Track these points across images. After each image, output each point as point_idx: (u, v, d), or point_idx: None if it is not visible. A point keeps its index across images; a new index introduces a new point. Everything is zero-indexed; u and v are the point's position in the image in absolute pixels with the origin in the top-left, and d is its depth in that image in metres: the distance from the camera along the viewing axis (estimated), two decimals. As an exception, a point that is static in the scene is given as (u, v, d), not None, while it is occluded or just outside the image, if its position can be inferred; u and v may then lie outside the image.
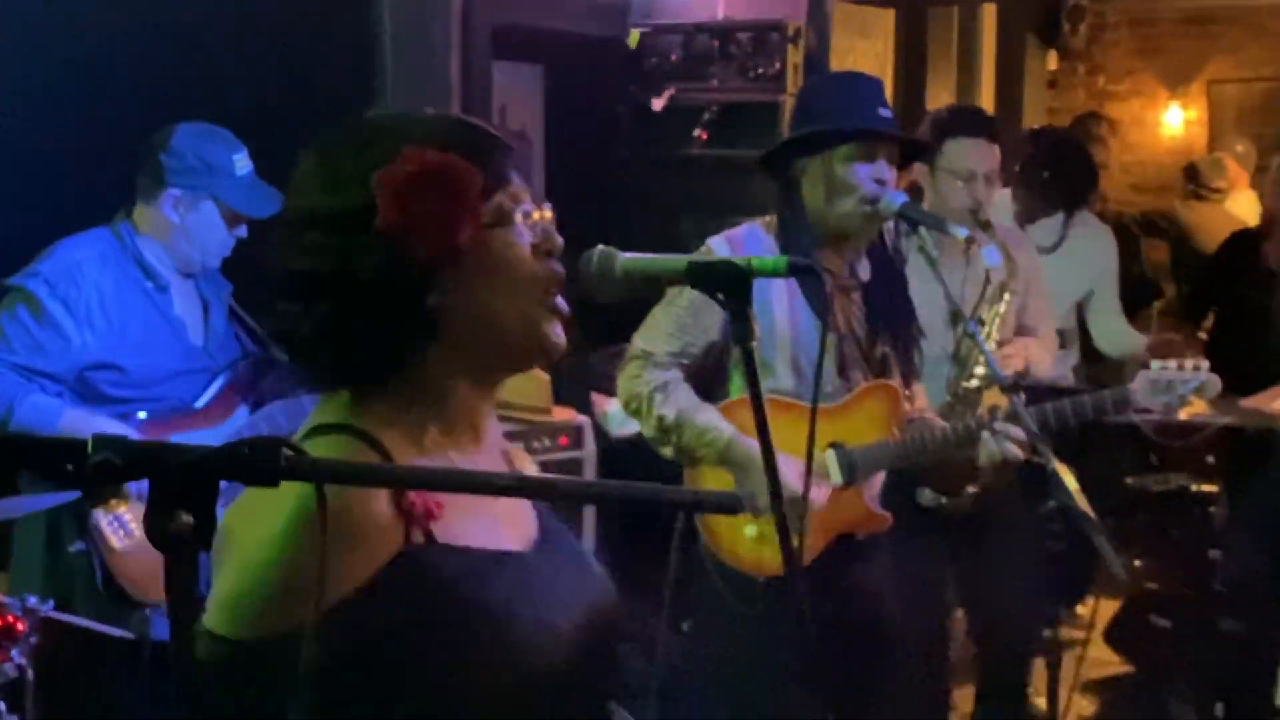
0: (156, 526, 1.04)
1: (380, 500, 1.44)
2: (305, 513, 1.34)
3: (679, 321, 3.12)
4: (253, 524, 1.42)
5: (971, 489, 3.64)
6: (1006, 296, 3.65)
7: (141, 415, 3.20)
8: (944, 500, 3.65)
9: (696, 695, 3.38)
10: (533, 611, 1.51)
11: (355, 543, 1.41)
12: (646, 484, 1.15)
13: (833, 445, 3.12)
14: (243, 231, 3.34)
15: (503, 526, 1.58)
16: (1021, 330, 3.96)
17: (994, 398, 3.52)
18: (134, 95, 3.70)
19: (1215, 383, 3.26)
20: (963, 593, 4.15)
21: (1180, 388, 3.26)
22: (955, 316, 3.65)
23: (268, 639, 1.39)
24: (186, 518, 1.04)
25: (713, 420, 3.07)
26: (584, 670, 1.56)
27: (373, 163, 1.49)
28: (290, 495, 1.36)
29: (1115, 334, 5.00)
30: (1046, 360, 3.97)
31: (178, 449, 1.05)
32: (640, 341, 3.17)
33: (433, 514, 1.46)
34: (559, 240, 1.60)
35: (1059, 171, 4.77)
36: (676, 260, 1.72)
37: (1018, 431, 3.09)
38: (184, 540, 1.04)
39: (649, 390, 3.10)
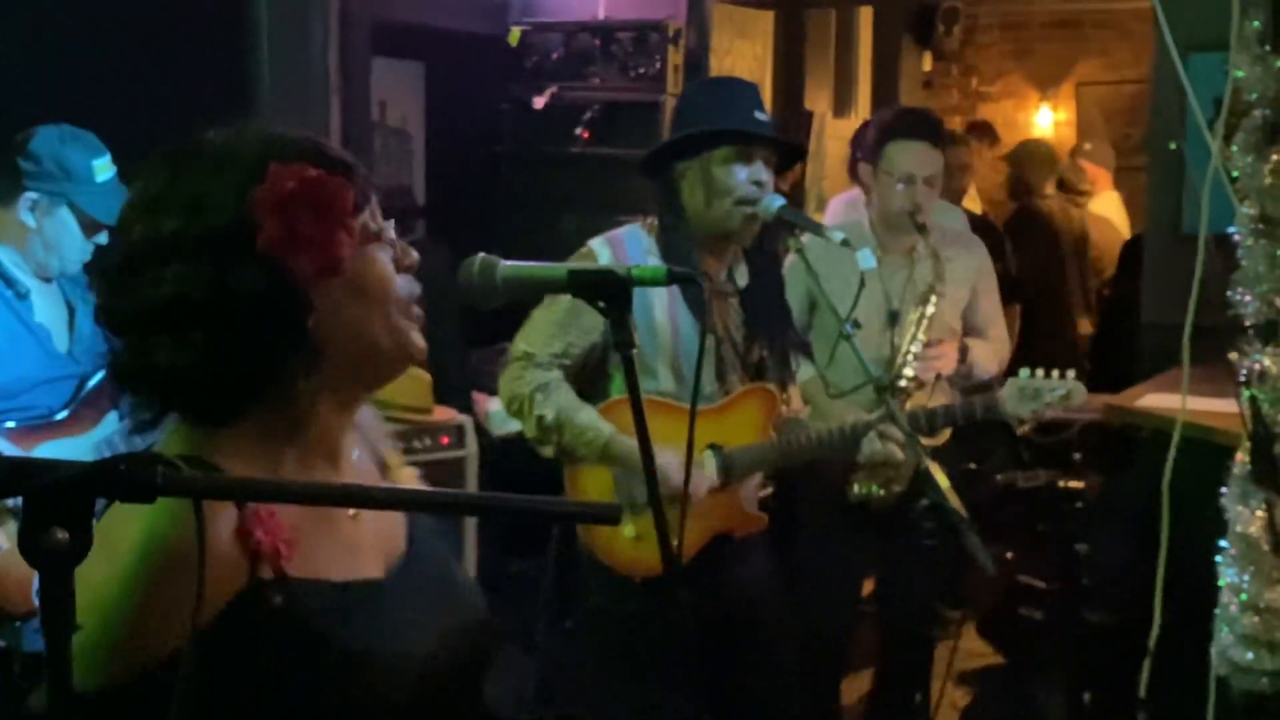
0: (31, 543, 1.02)
1: (220, 535, 1.38)
2: (152, 544, 1.31)
3: (560, 323, 3.13)
4: (94, 564, 1.23)
5: (897, 486, 3.71)
6: (933, 299, 3.71)
7: (10, 425, 3.12)
8: (871, 495, 3.72)
9: (577, 693, 3.40)
10: (386, 642, 1.49)
11: (191, 578, 1.26)
12: (525, 496, 1.16)
13: (710, 446, 3.17)
14: (103, 238, 3.25)
15: (362, 552, 1.55)
16: (970, 331, 4.02)
17: (925, 398, 3.60)
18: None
19: (1081, 391, 3.34)
20: (879, 582, 4.23)
21: (1047, 395, 3.34)
22: (892, 317, 3.71)
23: (117, 686, 1.34)
24: (61, 534, 1.02)
25: (592, 420, 3.10)
26: (443, 694, 1.55)
27: (239, 182, 1.44)
28: (135, 527, 1.32)
29: None
30: (992, 360, 4.02)
31: (52, 465, 1.03)
32: (521, 343, 3.18)
33: (281, 553, 1.42)
34: (415, 255, 1.60)
35: None
36: (557, 269, 1.73)
37: (897, 432, 3.15)
38: (59, 556, 1.03)
39: (529, 390, 3.11)
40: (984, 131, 8.24)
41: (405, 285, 1.58)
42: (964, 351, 3.89)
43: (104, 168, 3.22)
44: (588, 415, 3.11)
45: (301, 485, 1.40)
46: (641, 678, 3.11)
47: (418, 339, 1.58)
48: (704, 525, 3.17)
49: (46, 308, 3.27)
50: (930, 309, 3.72)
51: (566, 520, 1.31)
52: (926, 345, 3.73)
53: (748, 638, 3.27)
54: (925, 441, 3.22)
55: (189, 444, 1.46)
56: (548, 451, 3.16)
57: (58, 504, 1.03)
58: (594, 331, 3.13)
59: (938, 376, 3.79)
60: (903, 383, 3.63)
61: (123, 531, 1.29)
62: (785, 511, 3.85)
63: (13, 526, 3.04)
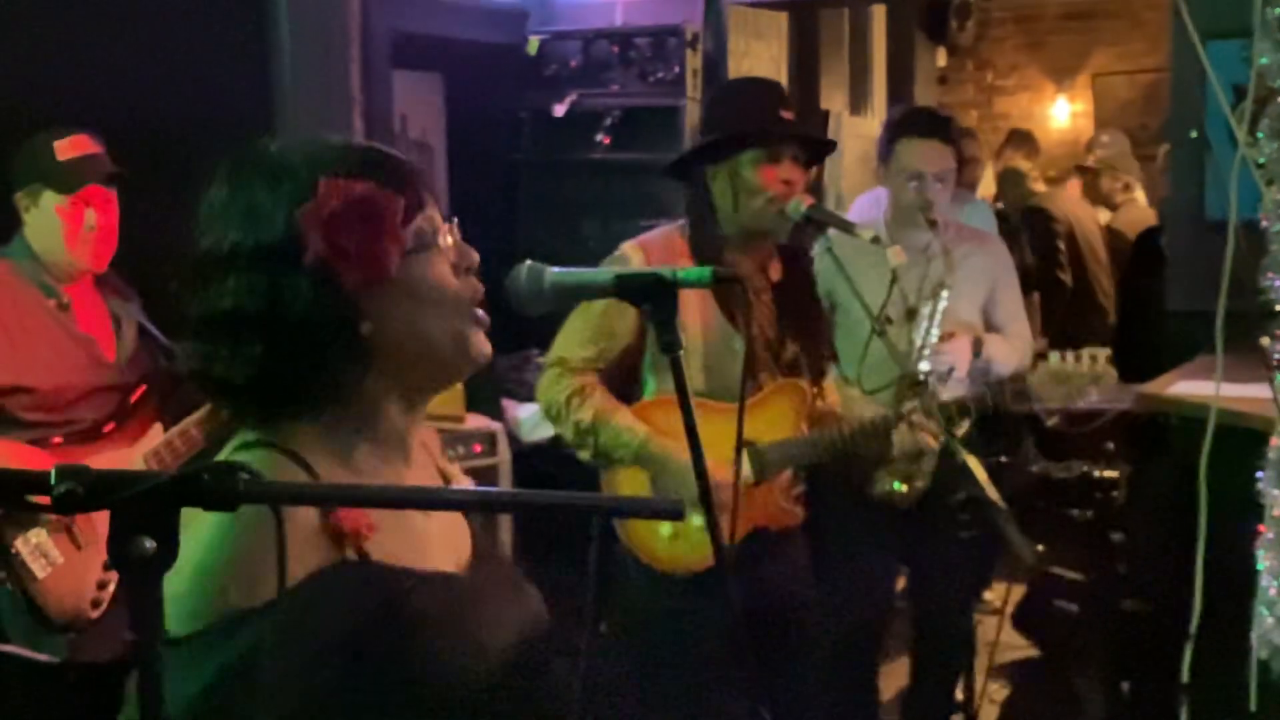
0: (119, 552, 1.05)
1: (308, 513, 1.44)
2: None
3: (593, 328, 3.17)
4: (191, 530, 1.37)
5: (920, 483, 3.72)
6: (943, 294, 3.72)
7: (57, 441, 3.16)
8: (894, 492, 3.72)
9: (620, 695, 3.42)
10: (460, 631, 1.53)
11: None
12: (589, 493, 1.19)
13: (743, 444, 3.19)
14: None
15: (435, 547, 1.60)
16: (990, 328, 4.03)
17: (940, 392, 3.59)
18: (20, 111, 3.61)
19: (1111, 374, 3.34)
20: (911, 578, 4.24)
21: (1077, 380, 3.34)
22: (910, 314, 3.72)
23: (203, 630, 1.37)
24: (149, 543, 1.05)
25: (628, 422, 3.14)
26: (512, 691, 1.58)
27: (290, 196, 1.49)
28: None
29: None
30: (1010, 357, 3.99)
31: (137, 476, 1.06)
32: (556, 349, 3.22)
33: (362, 533, 1.47)
34: (475, 256, 1.63)
35: None
36: (604, 273, 1.76)
37: (928, 422, 3.17)
38: (146, 565, 1.06)
39: (565, 396, 3.16)
40: (1023, 140, 8.25)
41: (465, 287, 1.61)
42: (978, 345, 3.91)
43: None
44: (623, 418, 3.14)
45: (379, 489, 1.44)
46: (685, 675, 3.14)
47: (480, 341, 1.61)
48: (741, 522, 3.19)
49: (91, 318, 3.32)
50: (941, 304, 3.73)
51: (630, 516, 1.32)
52: (940, 340, 3.74)
53: (785, 632, 3.29)
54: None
55: (267, 434, 1.52)
56: (585, 455, 3.19)
57: (144, 514, 1.06)
58: (626, 335, 3.17)
59: (950, 370, 3.80)
60: (919, 377, 3.62)
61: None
62: (813, 510, 3.86)
63: (42, 536, 3.09)
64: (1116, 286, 6.61)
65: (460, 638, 1.52)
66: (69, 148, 3.24)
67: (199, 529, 1.36)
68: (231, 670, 1.36)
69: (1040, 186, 7.63)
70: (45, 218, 3.23)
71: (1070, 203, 7.17)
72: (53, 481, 1.04)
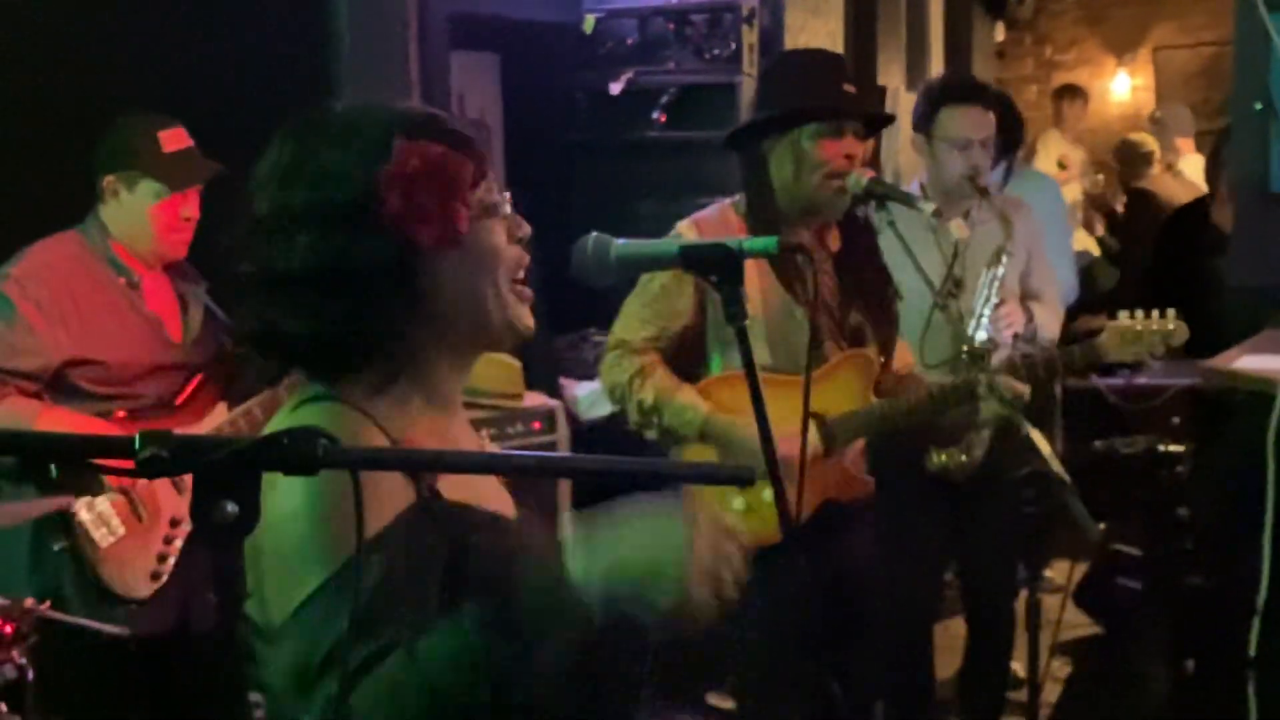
0: (202, 516, 1.07)
1: None
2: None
3: (652, 307, 3.17)
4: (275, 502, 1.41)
5: (978, 452, 3.69)
6: (1004, 259, 3.70)
7: (121, 415, 3.21)
8: (949, 465, 3.70)
9: (687, 665, 3.42)
10: (516, 572, 1.55)
11: (368, 494, 1.41)
12: (662, 459, 1.20)
13: (811, 416, 3.17)
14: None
15: (488, 492, 1.64)
16: (1027, 295, 4.02)
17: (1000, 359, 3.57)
18: (87, 88, 3.65)
19: (1183, 330, 3.28)
20: (959, 555, 4.22)
21: (1149, 337, 3.30)
22: (958, 283, 3.70)
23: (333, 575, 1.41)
24: (231, 507, 1.07)
25: (690, 399, 3.13)
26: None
27: (363, 156, 1.51)
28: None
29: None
30: (1053, 323, 4.03)
31: (220, 441, 1.08)
32: (617, 331, 3.22)
33: (435, 475, 1.52)
34: (527, 227, 1.66)
35: None
36: (669, 245, 1.77)
37: (1015, 384, 3.14)
38: (229, 529, 1.07)
39: (627, 377, 3.16)
40: (1073, 93, 8.18)
41: (516, 257, 1.64)
42: (1029, 313, 3.89)
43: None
44: (685, 396, 3.13)
45: (454, 453, 1.47)
46: (753, 649, 3.13)
47: (525, 314, 1.65)
48: (812, 494, 3.17)
49: (158, 299, 3.36)
50: (1001, 270, 3.71)
51: (700, 483, 1.32)
52: (997, 306, 3.72)
53: (856, 604, 3.28)
54: None
55: (327, 389, 1.56)
56: (651, 435, 3.19)
57: (226, 478, 1.07)
58: (685, 313, 3.16)
59: (1016, 336, 3.78)
60: (977, 344, 3.60)
61: None
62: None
63: (104, 506, 3.13)
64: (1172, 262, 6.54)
65: (515, 579, 1.54)
66: (173, 140, 3.28)
67: (289, 490, 1.38)
68: (370, 596, 1.40)
69: (1159, 169, 7.51)
70: (138, 205, 3.28)
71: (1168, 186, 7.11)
72: (137, 446, 1.05)
